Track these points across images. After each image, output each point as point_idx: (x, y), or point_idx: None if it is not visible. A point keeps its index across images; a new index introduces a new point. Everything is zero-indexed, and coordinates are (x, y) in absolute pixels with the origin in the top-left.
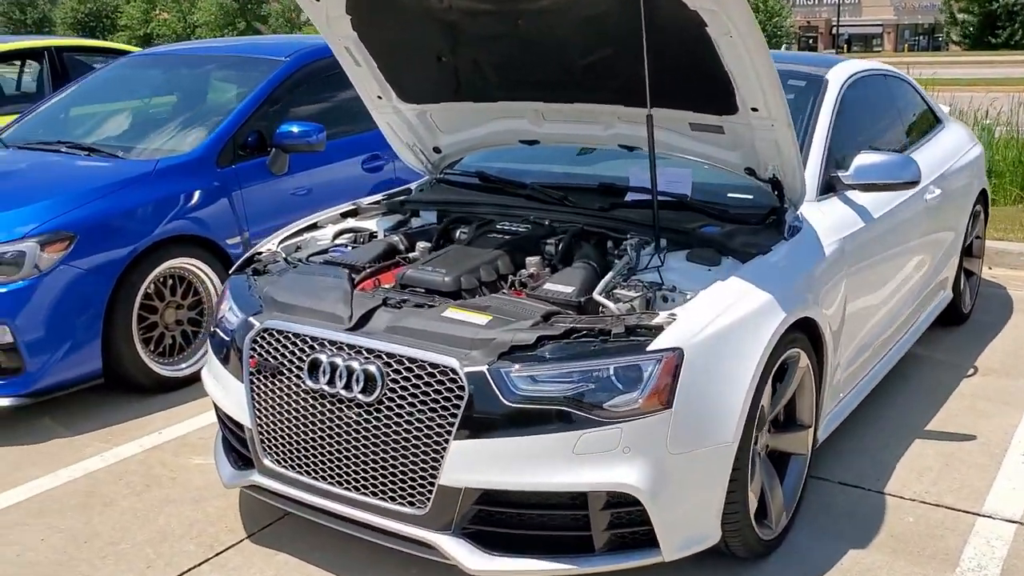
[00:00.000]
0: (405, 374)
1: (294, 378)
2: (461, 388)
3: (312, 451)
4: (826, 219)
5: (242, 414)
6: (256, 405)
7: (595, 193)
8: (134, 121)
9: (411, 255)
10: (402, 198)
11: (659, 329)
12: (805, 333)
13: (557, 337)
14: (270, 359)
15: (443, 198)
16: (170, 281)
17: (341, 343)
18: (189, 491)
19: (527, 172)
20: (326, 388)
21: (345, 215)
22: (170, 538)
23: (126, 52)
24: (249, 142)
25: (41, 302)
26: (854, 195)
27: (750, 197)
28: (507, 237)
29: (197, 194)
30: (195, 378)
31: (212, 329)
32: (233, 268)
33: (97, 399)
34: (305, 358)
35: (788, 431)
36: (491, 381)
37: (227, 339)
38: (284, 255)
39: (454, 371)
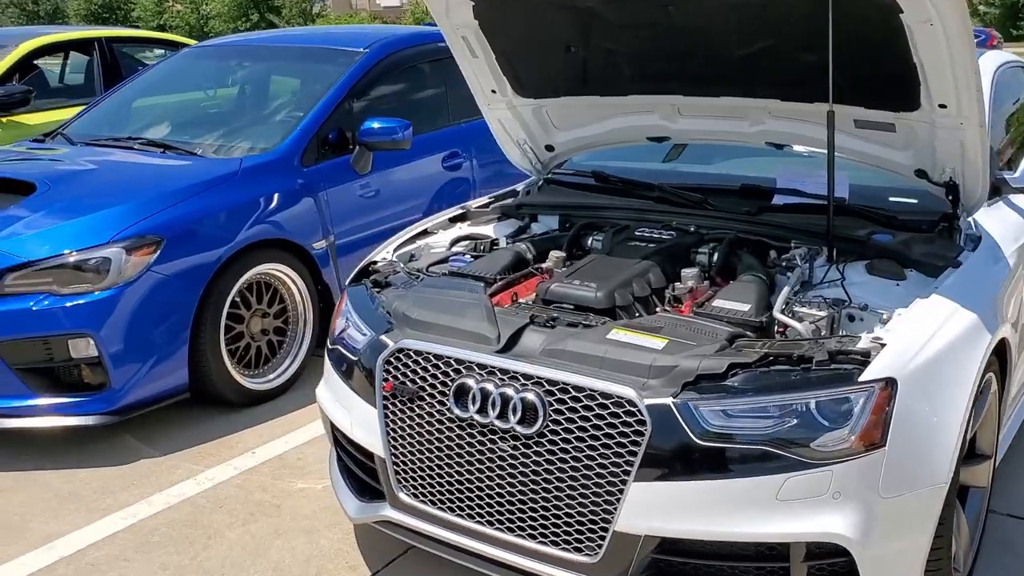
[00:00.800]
0: (571, 404)
1: (437, 404)
2: (641, 422)
3: (457, 486)
4: (1000, 226)
5: (373, 442)
6: (391, 433)
7: (735, 195)
8: (206, 116)
9: (544, 265)
10: (516, 201)
11: (866, 356)
12: (996, 355)
13: (749, 365)
14: (408, 383)
15: (562, 201)
16: (255, 288)
17: (492, 367)
18: (298, 520)
19: (632, 171)
20: (476, 417)
21: (454, 220)
22: None
23: (178, 44)
24: (330, 140)
25: (127, 312)
26: (1019, 199)
27: (914, 201)
28: (651, 246)
29: (283, 195)
30: (280, 391)
31: (330, 345)
32: (349, 279)
33: (178, 415)
34: (450, 383)
35: (970, 463)
36: (677, 415)
37: (352, 358)
38: (402, 265)
39: (631, 402)
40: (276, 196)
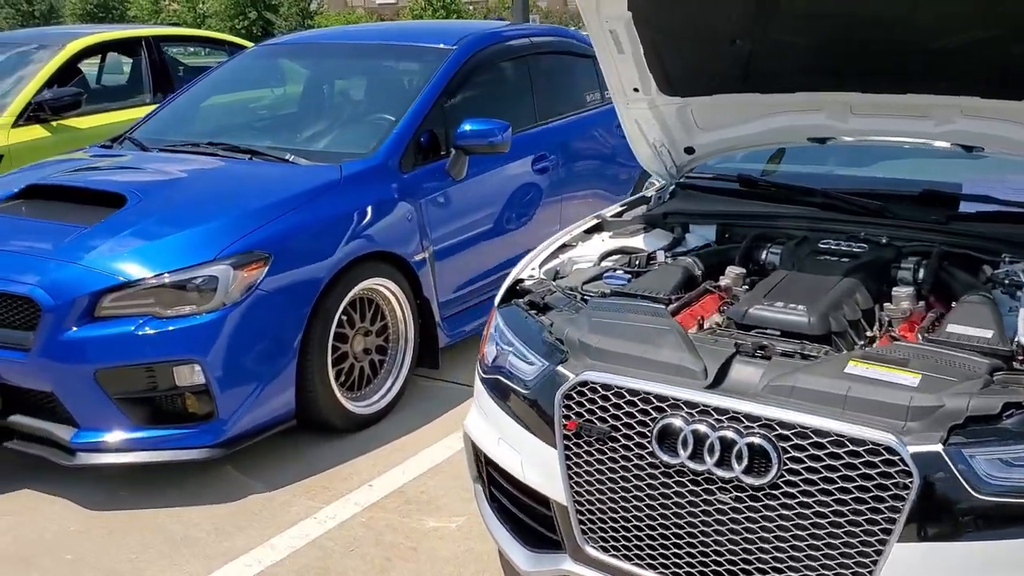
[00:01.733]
0: (812, 451)
1: (633, 447)
2: (905, 473)
3: (660, 540)
4: None
5: (550, 487)
6: (574, 478)
7: (914, 201)
8: (287, 120)
9: (720, 283)
10: (662, 209)
11: None
12: None
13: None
14: (595, 421)
15: (717, 209)
16: (358, 304)
17: (704, 405)
18: (440, 565)
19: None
20: (689, 464)
21: (590, 231)
22: None
23: (226, 43)
24: (423, 143)
25: (235, 335)
26: None
27: None
28: (845, 260)
29: (385, 204)
30: (382, 415)
31: (485, 374)
32: (498, 298)
33: (279, 444)
34: (651, 423)
35: None
36: (951, 465)
37: (518, 390)
38: (555, 284)
39: (891, 450)
40: (379, 205)
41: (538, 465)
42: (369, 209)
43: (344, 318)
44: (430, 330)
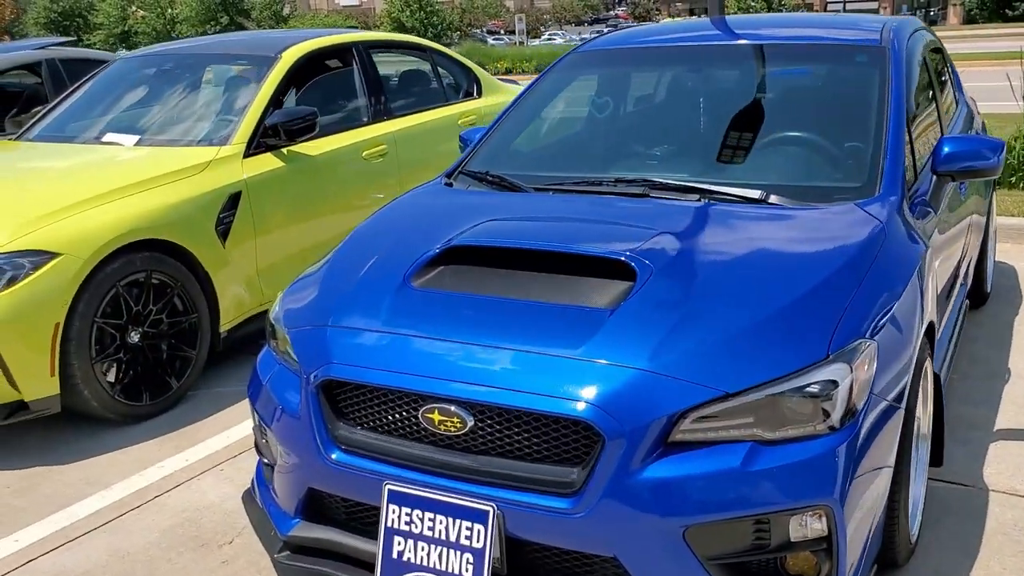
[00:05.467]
0: None
1: None
2: None
3: None
4: None
5: None
6: None
7: None
8: (694, 142)
9: None
10: None
11: None
12: None
13: None
14: None
15: None
16: None
17: None
18: None
19: None
20: None
21: None
22: None
23: (425, 48)
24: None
25: (859, 460)
26: None
27: None
28: None
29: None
30: None
31: None
32: None
33: None
34: None
35: None
36: None
37: None
38: None
39: None
40: (908, 256)
41: None
42: (916, 267)
43: None
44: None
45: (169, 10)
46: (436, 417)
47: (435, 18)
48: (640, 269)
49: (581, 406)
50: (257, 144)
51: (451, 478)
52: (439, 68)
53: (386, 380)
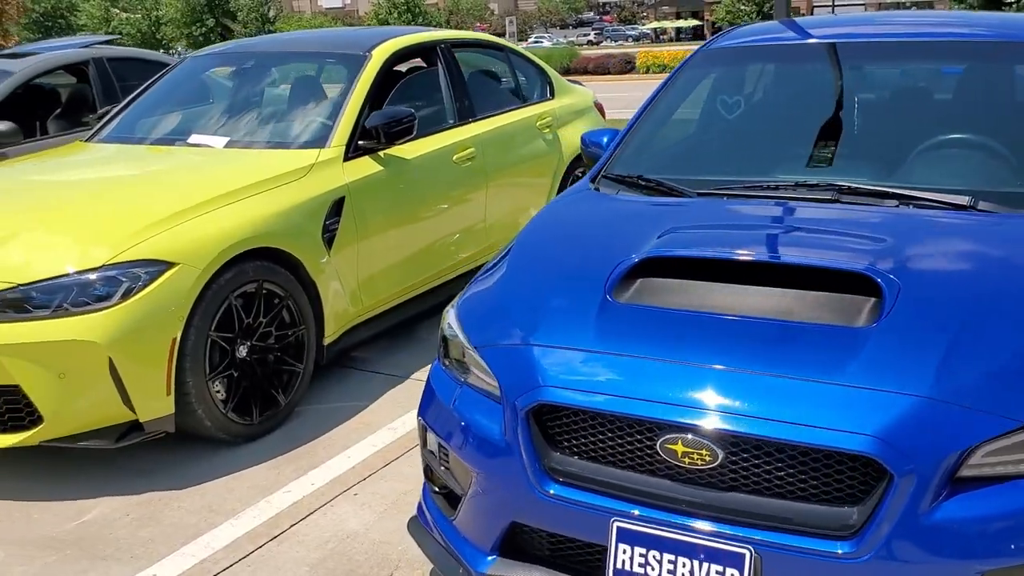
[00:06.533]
0: None
1: None
2: None
3: None
4: None
5: None
6: None
7: None
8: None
9: None
10: None
11: None
12: None
13: None
14: None
15: None
16: None
17: None
18: None
19: None
20: None
21: None
22: None
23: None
24: None
25: None
26: None
27: None
28: None
29: None
30: None
31: None
32: None
33: None
34: None
35: None
36: None
37: None
38: None
39: None
40: None
41: None
42: None
43: None
44: None
45: (154, 12)
46: (679, 448)
47: (421, 20)
48: (886, 284)
49: (862, 439)
50: (355, 147)
51: (696, 516)
52: (515, 68)
53: (616, 407)
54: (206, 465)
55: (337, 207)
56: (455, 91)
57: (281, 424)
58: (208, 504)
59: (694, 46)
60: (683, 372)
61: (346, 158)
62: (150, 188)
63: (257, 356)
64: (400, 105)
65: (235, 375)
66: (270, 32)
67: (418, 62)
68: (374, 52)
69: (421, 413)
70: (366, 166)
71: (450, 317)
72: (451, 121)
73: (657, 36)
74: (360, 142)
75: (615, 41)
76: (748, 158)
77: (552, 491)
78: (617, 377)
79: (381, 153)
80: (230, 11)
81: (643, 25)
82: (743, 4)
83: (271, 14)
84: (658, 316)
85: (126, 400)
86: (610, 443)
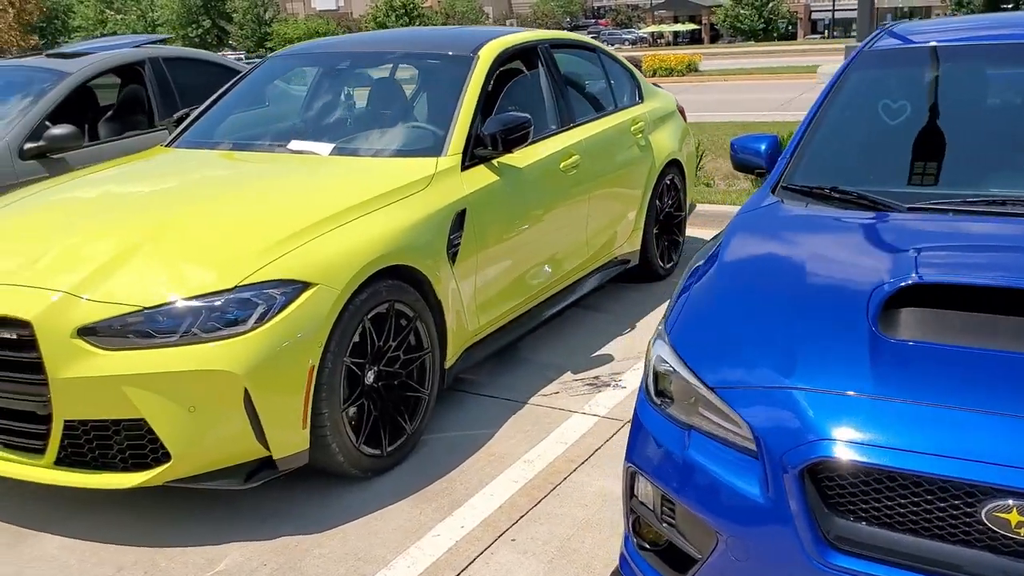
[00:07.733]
0: None
1: None
2: None
3: None
4: None
5: None
6: None
7: None
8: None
9: None
10: None
11: None
12: None
13: None
14: None
15: None
16: None
17: None
18: None
19: None
20: None
21: None
22: None
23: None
24: None
25: None
26: None
27: None
28: None
29: None
30: None
31: None
32: None
33: None
34: None
35: None
36: None
37: None
38: None
39: None
40: None
41: None
42: None
43: None
44: None
45: (150, 13)
46: (1013, 518)
47: (418, 22)
48: None
49: None
50: (471, 155)
51: None
52: (607, 70)
53: (925, 466)
54: (337, 505)
55: (460, 220)
56: (556, 94)
57: (407, 456)
58: (352, 551)
59: (693, 50)
60: (1009, 425)
61: (463, 167)
62: (267, 200)
63: (383, 382)
64: (505, 109)
65: (366, 404)
66: (266, 33)
67: (516, 64)
68: (481, 53)
69: (631, 458)
70: (483, 176)
71: (662, 350)
72: (553, 127)
73: (654, 40)
74: (475, 150)
75: (612, 45)
76: (950, 168)
77: (837, 563)
78: (921, 431)
79: (495, 162)
80: (226, 12)
81: (640, 29)
82: (743, 8)
83: (267, 15)
84: (953, 356)
85: (259, 435)
86: (911, 508)
